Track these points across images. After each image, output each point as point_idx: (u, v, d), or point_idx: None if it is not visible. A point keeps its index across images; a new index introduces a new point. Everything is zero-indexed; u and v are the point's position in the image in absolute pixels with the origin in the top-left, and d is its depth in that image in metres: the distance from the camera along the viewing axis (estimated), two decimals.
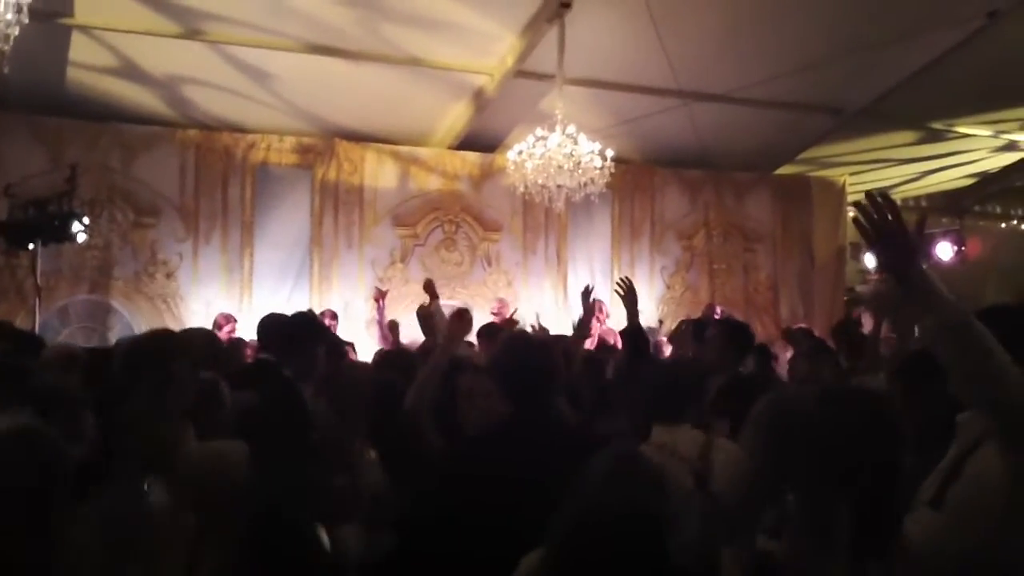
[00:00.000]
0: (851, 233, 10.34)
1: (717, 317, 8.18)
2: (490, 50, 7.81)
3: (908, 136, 10.38)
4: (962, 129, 10.18)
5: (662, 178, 10.23)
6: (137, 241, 8.28)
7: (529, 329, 5.93)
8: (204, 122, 8.58)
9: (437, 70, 8.01)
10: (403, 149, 9.22)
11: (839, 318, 9.23)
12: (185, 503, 2.19)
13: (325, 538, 2.18)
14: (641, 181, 10.11)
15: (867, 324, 6.54)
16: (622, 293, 4.43)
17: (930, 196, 12.99)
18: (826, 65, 8.02)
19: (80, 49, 7.30)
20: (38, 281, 6.80)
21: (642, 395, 3.18)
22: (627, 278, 4.58)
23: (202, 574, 2.15)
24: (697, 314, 8.87)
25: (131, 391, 2.51)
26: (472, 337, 5.18)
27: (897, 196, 10.87)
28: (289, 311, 4.60)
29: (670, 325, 8.76)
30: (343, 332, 7.46)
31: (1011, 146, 10.90)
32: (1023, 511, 1.76)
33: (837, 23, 7.61)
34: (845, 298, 10.99)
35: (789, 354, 7.04)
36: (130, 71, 7.67)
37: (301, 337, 3.90)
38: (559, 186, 7.49)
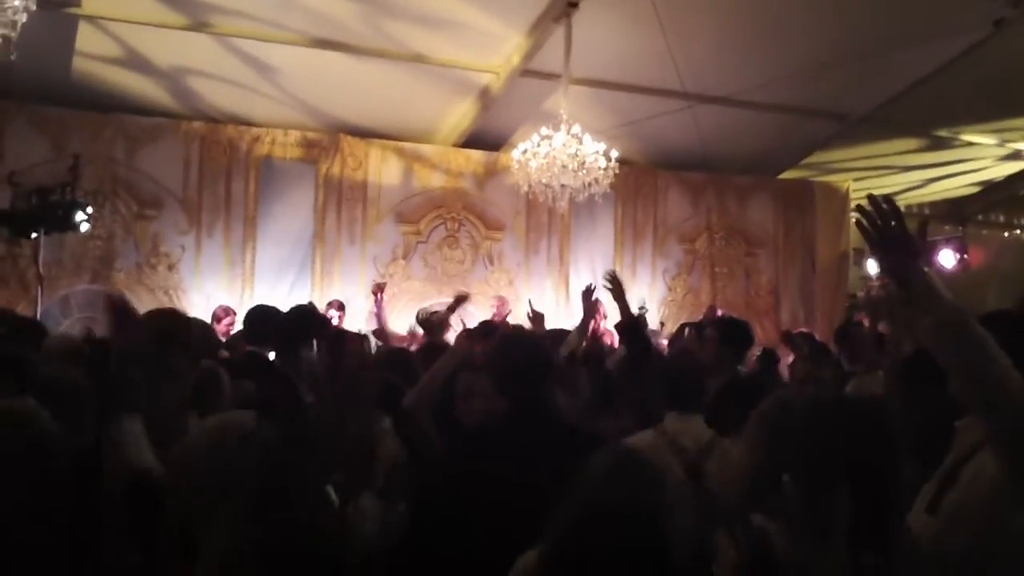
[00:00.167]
0: (855, 239, 10.34)
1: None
2: (496, 49, 7.81)
3: (913, 143, 10.38)
4: (967, 137, 10.18)
5: (665, 180, 10.24)
6: (139, 232, 8.27)
7: (524, 314, 5.89)
8: (209, 114, 8.58)
9: (443, 67, 8.01)
10: (407, 146, 9.21)
11: (840, 322, 9.22)
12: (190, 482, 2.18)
13: (333, 497, 2.16)
14: (644, 183, 10.11)
15: (866, 327, 6.53)
16: (610, 287, 4.44)
17: (933, 204, 12.98)
18: (831, 70, 8.01)
19: (86, 39, 7.30)
20: (40, 270, 6.79)
21: (656, 382, 3.18)
22: (612, 271, 4.60)
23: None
24: (698, 317, 8.87)
25: (131, 384, 2.51)
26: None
27: (900, 203, 10.80)
28: (289, 306, 4.57)
29: (671, 328, 8.76)
30: (345, 326, 7.42)
31: (1016, 155, 10.90)
32: (1014, 518, 1.75)
33: (843, 29, 7.61)
34: (847, 304, 10.97)
35: (790, 358, 7.07)
36: (136, 62, 7.68)
37: (290, 335, 3.82)
38: (563, 186, 7.48)
